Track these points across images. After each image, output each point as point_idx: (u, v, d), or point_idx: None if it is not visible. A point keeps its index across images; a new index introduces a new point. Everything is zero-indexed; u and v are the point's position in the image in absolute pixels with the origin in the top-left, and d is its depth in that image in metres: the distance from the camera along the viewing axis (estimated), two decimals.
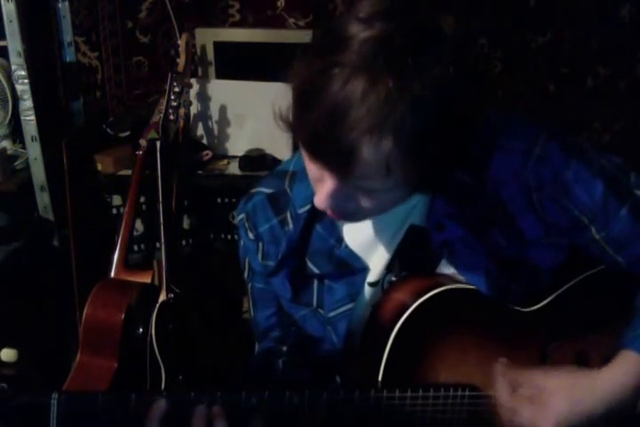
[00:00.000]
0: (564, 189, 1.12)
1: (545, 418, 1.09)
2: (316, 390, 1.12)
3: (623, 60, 2.85)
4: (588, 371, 1.13)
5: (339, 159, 0.94)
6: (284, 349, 1.35)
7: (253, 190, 1.34)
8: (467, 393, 1.16)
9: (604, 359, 1.14)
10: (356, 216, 1.10)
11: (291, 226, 1.26)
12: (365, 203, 1.04)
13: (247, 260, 1.36)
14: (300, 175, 1.24)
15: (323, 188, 1.02)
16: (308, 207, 1.22)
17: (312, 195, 1.09)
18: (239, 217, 1.34)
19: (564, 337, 1.22)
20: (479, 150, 1.14)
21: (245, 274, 1.38)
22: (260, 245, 1.31)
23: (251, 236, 1.32)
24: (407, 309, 1.15)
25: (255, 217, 1.31)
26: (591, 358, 1.21)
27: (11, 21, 2.22)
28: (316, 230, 1.26)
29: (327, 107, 0.92)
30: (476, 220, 1.17)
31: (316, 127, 0.94)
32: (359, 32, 0.92)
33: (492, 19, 2.75)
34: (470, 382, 1.18)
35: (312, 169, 1.03)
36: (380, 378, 1.15)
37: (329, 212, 1.07)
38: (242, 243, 1.35)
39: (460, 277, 1.22)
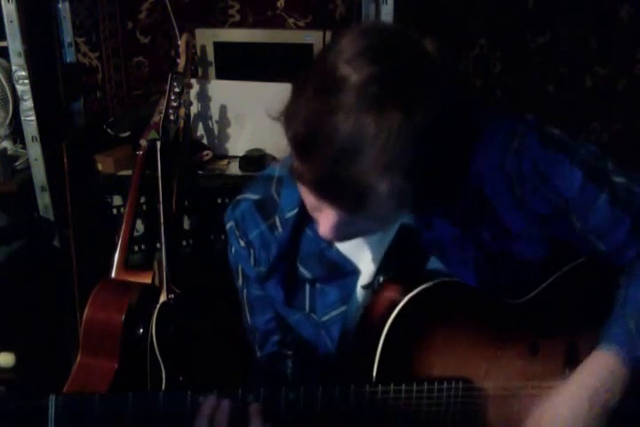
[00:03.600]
0: (544, 179, 1.14)
1: None
2: (312, 386, 1.13)
3: (622, 60, 2.85)
4: (569, 378, 1.14)
5: (352, 199, 0.96)
6: (289, 352, 1.35)
7: (240, 197, 1.34)
8: (460, 386, 1.18)
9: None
10: (355, 237, 1.13)
11: (280, 230, 1.27)
12: (367, 225, 1.07)
13: (240, 267, 1.35)
14: (286, 181, 1.25)
15: (326, 219, 1.03)
16: (295, 211, 1.23)
17: (299, 199, 1.11)
18: (228, 225, 1.34)
19: (554, 328, 1.23)
20: (460, 147, 1.16)
21: (239, 281, 1.37)
22: (252, 251, 1.31)
23: (242, 243, 1.32)
24: (397, 305, 1.16)
25: (244, 224, 1.31)
26: (581, 348, 1.22)
27: (11, 22, 2.22)
28: (306, 234, 1.26)
29: (339, 148, 0.92)
30: (462, 216, 1.19)
31: (326, 169, 0.95)
32: (352, 73, 0.93)
33: (492, 19, 2.76)
34: (463, 374, 1.19)
35: (310, 201, 1.04)
36: (374, 376, 1.16)
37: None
38: (233, 250, 1.35)
39: (448, 272, 1.22)
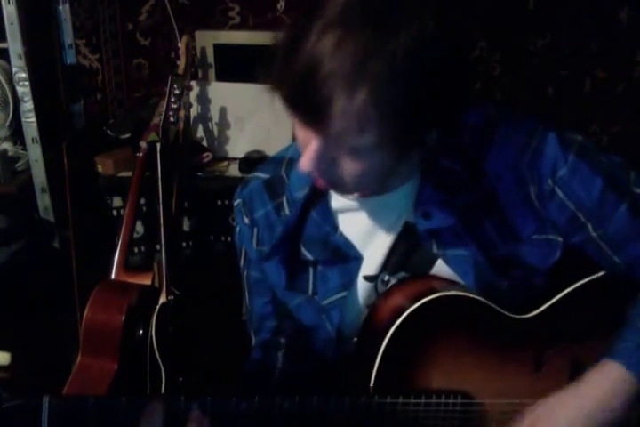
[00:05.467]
0: (562, 184, 1.12)
1: None
2: (307, 396, 1.12)
3: (622, 63, 2.85)
4: (572, 386, 1.12)
5: (314, 112, 0.96)
6: (282, 341, 1.35)
7: (250, 176, 1.35)
8: (459, 400, 1.16)
9: None
10: (341, 184, 1.09)
11: (287, 211, 1.27)
12: (349, 166, 1.04)
13: (243, 248, 1.36)
14: (297, 162, 1.25)
15: (308, 150, 1.03)
16: (305, 192, 1.23)
17: (309, 179, 1.10)
18: (236, 202, 1.35)
19: (559, 344, 1.21)
20: (477, 143, 1.15)
21: (241, 262, 1.39)
22: (255, 230, 1.32)
23: (246, 221, 1.33)
24: (401, 314, 1.15)
25: (251, 202, 1.32)
26: (587, 364, 1.19)
27: (11, 24, 2.23)
28: (311, 217, 1.26)
29: (303, 60, 0.94)
30: (466, 210, 1.17)
31: (292, 81, 0.96)
32: None
33: (491, 21, 2.76)
34: (463, 388, 1.17)
35: (300, 135, 1.04)
36: (372, 382, 1.15)
37: (317, 179, 1.09)
38: (238, 229, 1.36)
39: (458, 280, 1.21)
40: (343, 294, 1.26)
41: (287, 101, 1.00)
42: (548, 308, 1.21)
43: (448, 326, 1.18)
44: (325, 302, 1.27)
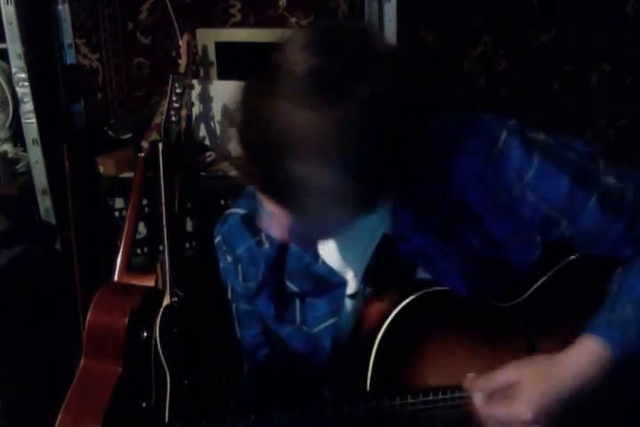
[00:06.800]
0: (530, 187, 1.11)
1: (520, 409, 1.07)
2: (304, 407, 1.12)
3: (628, 57, 2.84)
4: (550, 357, 1.11)
5: (292, 196, 0.95)
6: (276, 366, 1.36)
7: (228, 212, 1.35)
8: (456, 394, 1.16)
9: None
10: (315, 240, 1.14)
11: (267, 246, 1.27)
12: (323, 227, 1.06)
13: (229, 282, 1.37)
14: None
15: (279, 220, 1.03)
16: None
17: None
18: (216, 240, 1.36)
19: (550, 327, 1.22)
20: (440, 155, 1.14)
21: (229, 295, 1.39)
22: (240, 267, 1.32)
23: (229, 259, 1.33)
24: (388, 315, 1.16)
25: (231, 239, 1.32)
26: None
27: (10, 24, 2.21)
28: (291, 250, 1.26)
29: (273, 143, 0.92)
30: (442, 225, 1.16)
31: (265, 166, 0.95)
32: (295, 64, 0.93)
33: (496, 16, 2.74)
34: (459, 382, 1.17)
35: (266, 202, 1.04)
36: (367, 386, 1.15)
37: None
38: (221, 265, 1.37)
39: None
40: (333, 320, 1.26)
41: (260, 184, 1.00)
42: (533, 292, 1.22)
43: (436, 322, 1.19)
44: (316, 329, 1.28)
